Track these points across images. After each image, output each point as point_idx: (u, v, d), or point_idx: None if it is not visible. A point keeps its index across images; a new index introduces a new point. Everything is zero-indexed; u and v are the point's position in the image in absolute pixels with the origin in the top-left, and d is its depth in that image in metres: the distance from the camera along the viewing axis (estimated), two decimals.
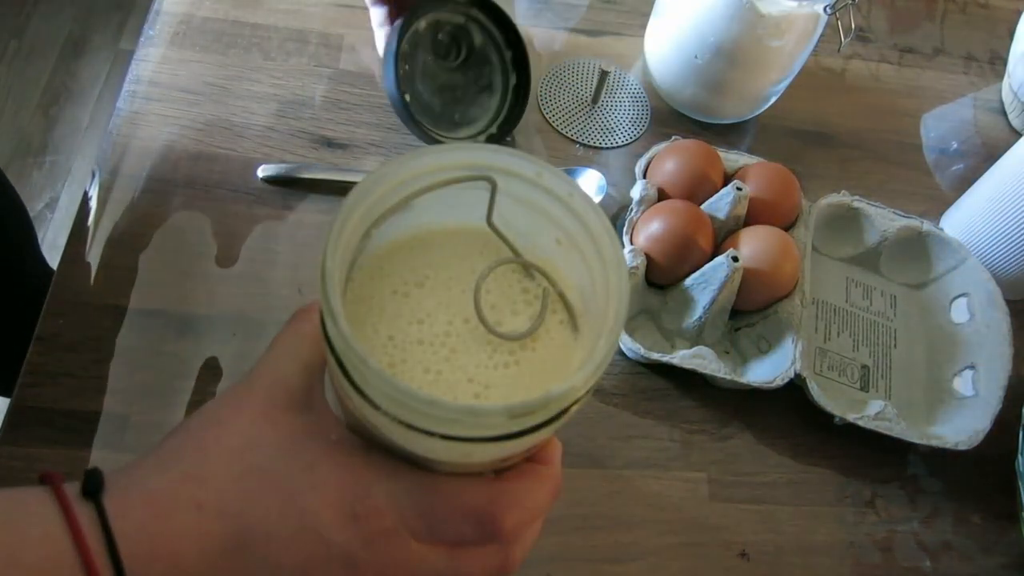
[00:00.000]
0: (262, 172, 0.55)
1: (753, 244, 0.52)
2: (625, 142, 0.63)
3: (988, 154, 0.69)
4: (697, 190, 0.55)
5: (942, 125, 0.71)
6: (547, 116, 0.62)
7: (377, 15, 0.56)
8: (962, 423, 0.52)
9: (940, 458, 0.54)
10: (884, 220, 0.58)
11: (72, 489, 0.25)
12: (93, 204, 0.52)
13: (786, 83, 0.62)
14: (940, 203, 0.65)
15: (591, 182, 0.59)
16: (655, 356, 0.50)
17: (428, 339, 0.27)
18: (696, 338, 0.54)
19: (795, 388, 0.52)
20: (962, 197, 0.62)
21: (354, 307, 0.27)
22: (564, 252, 0.29)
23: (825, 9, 0.54)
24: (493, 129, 0.60)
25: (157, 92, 0.57)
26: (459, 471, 0.27)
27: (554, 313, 0.29)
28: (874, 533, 0.51)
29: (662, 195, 0.56)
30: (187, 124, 0.56)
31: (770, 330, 0.53)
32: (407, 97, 0.54)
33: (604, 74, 0.61)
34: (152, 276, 0.50)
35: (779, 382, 0.50)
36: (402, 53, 0.54)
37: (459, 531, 0.27)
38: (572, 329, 0.29)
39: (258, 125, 0.57)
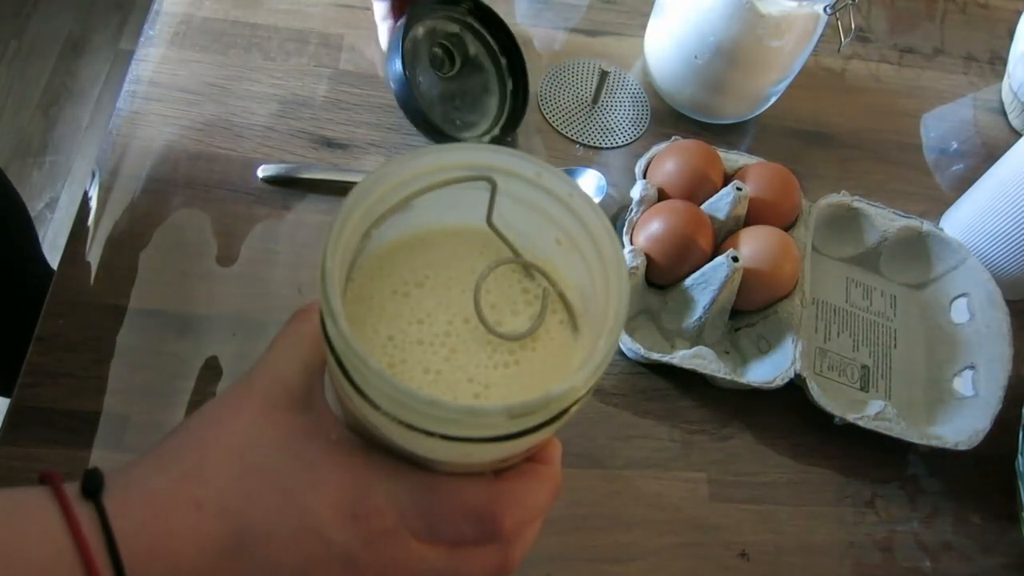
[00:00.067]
0: (262, 172, 0.55)
1: (753, 244, 0.52)
2: (625, 142, 0.63)
3: (988, 154, 0.69)
4: (697, 190, 0.55)
5: (942, 125, 0.71)
6: (547, 116, 0.62)
7: (380, 9, 0.56)
8: (962, 423, 0.52)
9: (940, 458, 0.54)
10: (884, 220, 0.58)
11: (72, 489, 0.25)
12: (93, 204, 0.52)
13: (786, 83, 0.62)
14: (940, 203, 0.65)
15: (591, 182, 0.59)
16: (655, 356, 0.50)
17: (428, 339, 0.27)
18: (696, 338, 0.54)
19: (795, 388, 0.52)
20: (962, 197, 0.62)
21: (354, 307, 0.27)
22: (564, 252, 0.29)
23: (825, 9, 0.54)
24: (496, 131, 0.60)
25: (157, 92, 0.57)
26: (459, 471, 0.27)
27: (554, 313, 0.29)
28: (874, 533, 0.51)
29: (662, 195, 0.56)
30: (187, 124, 0.56)
31: (770, 330, 0.53)
32: (414, 89, 0.54)
33: (604, 74, 0.61)
34: (152, 276, 0.50)
35: (779, 382, 0.50)
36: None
37: (459, 531, 0.27)
38: (572, 329, 0.29)
39: (258, 125, 0.57)
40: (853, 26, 0.55)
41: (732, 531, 0.49)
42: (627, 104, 0.65)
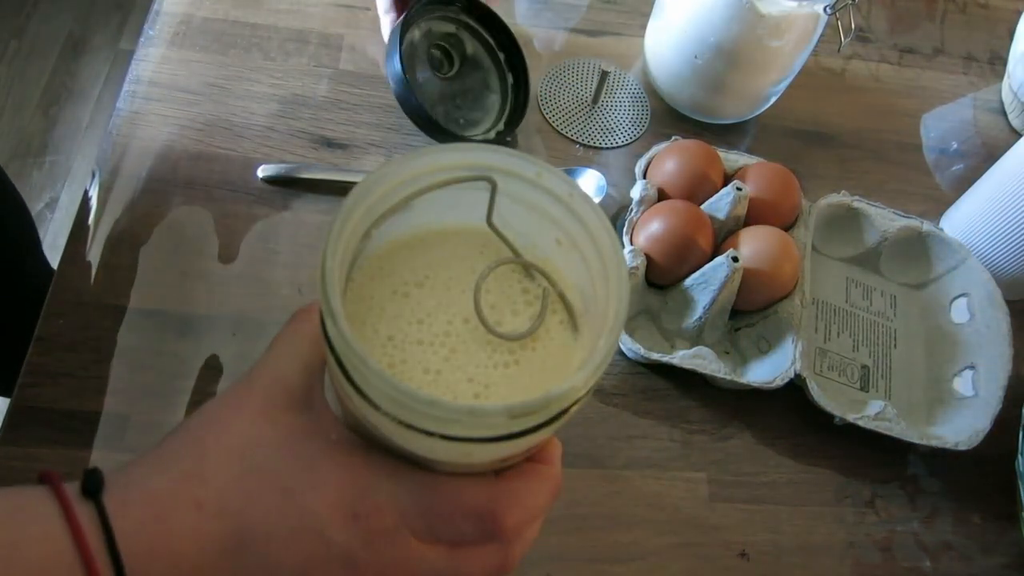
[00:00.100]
0: (262, 172, 0.55)
1: (753, 244, 0.52)
2: (625, 142, 0.63)
3: (988, 154, 0.69)
4: (697, 190, 0.55)
5: (942, 125, 0.71)
6: (547, 116, 0.62)
7: (383, 2, 0.56)
8: (962, 423, 0.52)
9: (940, 458, 0.54)
10: (884, 220, 0.58)
11: (72, 488, 0.25)
12: (93, 204, 0.52)
13: (786, 83, 0.62)
14: (940, 203, 0.65)
15: (591, 182, 0.59)
16: (655, 356, 0.50)
17: (428, 339, 0.27)
18: (696, 338, 0.54)
19: (795, 388, 0.52)
20: (962, 197, 0.62)
21: (354, 307, 0.27)
22: (564, 252, 0.29)
23: (825, 9, 0.54)
24: (500, 126, 0.60)
25: (157, 92, 0.57)
26: (459, 471, 0.27)
27: (554, 313, 0.29)
28: (874, 533, 0.51)
29: (662, 195, 0.56)
30: (187, 124, 0.56)
31: (770, 330, 0.53)
32: (415, 89, 0.54)
33: (604, 74, 0.61)
34: (152, 276, 0.50)
35: (779, 382, 0.50)
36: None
37: (459, 530, 0.27)
38: (572, 329, 0.29)
39: (258, 125, 0.57)
40: (853, 26, 0.55)
41: (732, 531, 0.49)
42: (627, 104, 0.65)
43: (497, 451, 0.26)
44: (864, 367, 0.56)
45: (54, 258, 0.59)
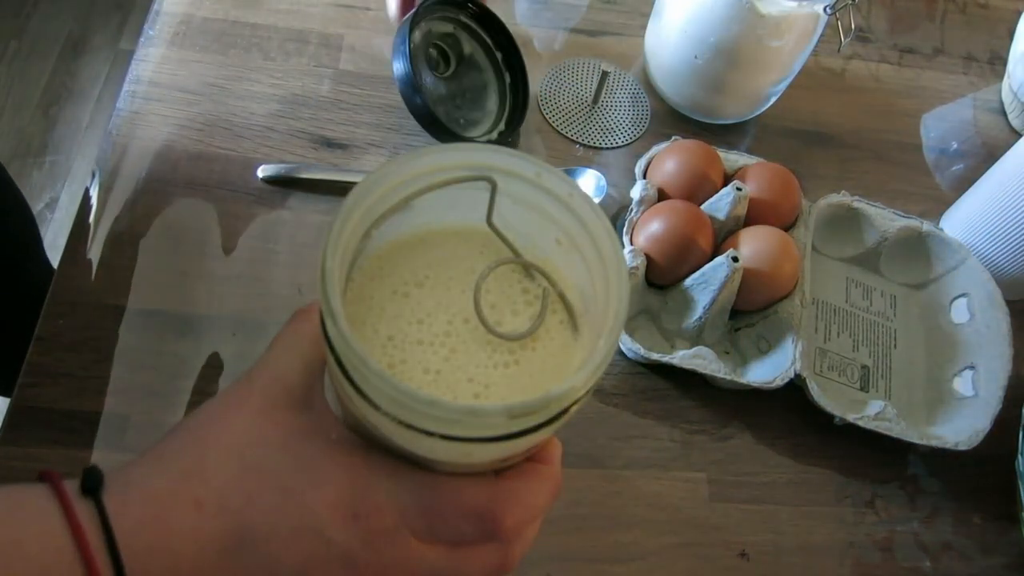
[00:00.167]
0: (262, 172, 0.55)
1: (753, 244, 0.52)
2: (625, 142, 0.63)
3: (988, 154, 0.69)
4: (697, 190, 0.55)
5: (942, 125, 0.71)
6: (547, 116, 0.62)
7: None
8: (962, 423, 0.52)
9: (940, 458, 0.54)
10: (884, 220, 0.58)
11: (72, 486, 0.25)
12: (93, 204, 0.52)
13: (786, 83, 0.62)
14: (940, 203, 0.65)
15: (591, 182, 0.59)
16: (655, 356, 0.50)
17: (428, 339, 0.27)
18: (696, 338, 0.54)
19: (795, 388, 0.52)
20: (962, 197, 0.62)
21: (354, 307, 0.27)
22: (564, 252, 0.29)
23: (825, 9, 0.54)
24: (502, 126, 0.60)
25: (157, 92, 0.57)
26: (459, 471, 0.27)
27: (554, 313, 0.29)
28: (874, 533, 0.51)
29: (662, 195, 0.56)
30: (187, 124, 0.56)
31: (770, 330, 0.53)
32: (421, 89, 0.54)
33: (604, 74, 0.61)
34: (152, 276, 0.50)
35: (779, 382, 0.50)
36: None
37: (459, 530, 0.27)
38: (572, 329, 0.29)
39: (258, 125, 0.57)
40: (853, 26, 0.55)
41: (732, 531, 0.49)
42: (627, 104, 0.65)
43: (497, 451, 0.26)
44: (864, 367, 0.56)
45: (54, 258, 0.59)
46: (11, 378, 0.47)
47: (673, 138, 0.58)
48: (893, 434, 0.50)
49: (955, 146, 0.70)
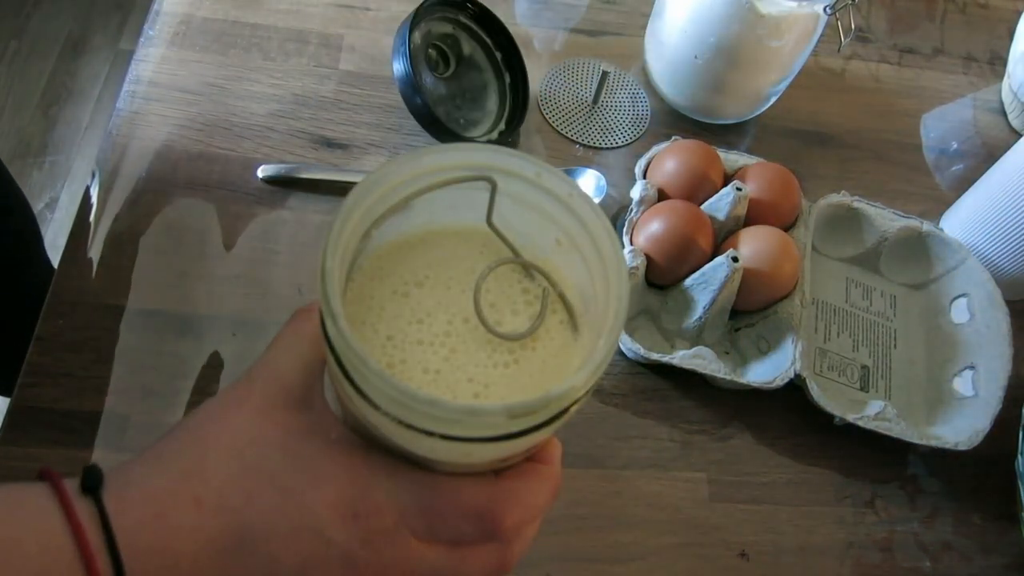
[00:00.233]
0: (262, 172, 0.55)
1: (753, 244, 0.52)
2: (625, 142, 0.63)
3: (988, 154, 0.69)
4: (697, 190, 0.55)
5: (942, 125, 0.71)
6: (547, 116, 0.62)
7: None
8: (962, 423, 0.52)
9: (940, 458, 0.54)
10: (884, 220, 0.58)
11: (71, 485, 0.25)
12: (93, 204, 0.52)
13: (786, 83, 0.62)
14: (940, 203, 0.65)
15: (591, 182, 0.59)
16: (655, 356, 0.50)
17: (428, 339, 0.27)
18: (696, 338, 0.54)
19: (795, 388, 0.52)
20: (962, 197, 0.62)
21: (354, 307, 0.27)
22: (564, 252, 0.29)
23: (825, 9, 0.54)
24: (502, 126, 0.60)
25: (157, 92, 0.57)
26: (459, 471, 0.27)
27: (554, 313, 0.29)
28: (874, 533, 0.51)
29: (662, 195, 0.56)
30: (187, 124, 0.56)
31: (770, 330, 0.53)
32: (422, 90, 0.54)
33: (604, 74, 0.61)
34: (152, 276, 0.50)
35: (779, 382, 0.50)
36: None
37: (459, 530, 0.27)
38: (572, 329, 0.29)
39: (258, 125, 0.57)
40: (853, 26, 0.55)
41: (732, 531, 0.49)
42: (627, 104, 0.65)
43: (497, 451, 0.26)
44: (864, 367, 0.56)
45: (54, 258, 0.59)
46: (11, 378, 0.47)
47: (673, 138, 0.58)
48: (893, 434, 0.50)
49: (955, 146, 0.70)
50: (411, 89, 0.54)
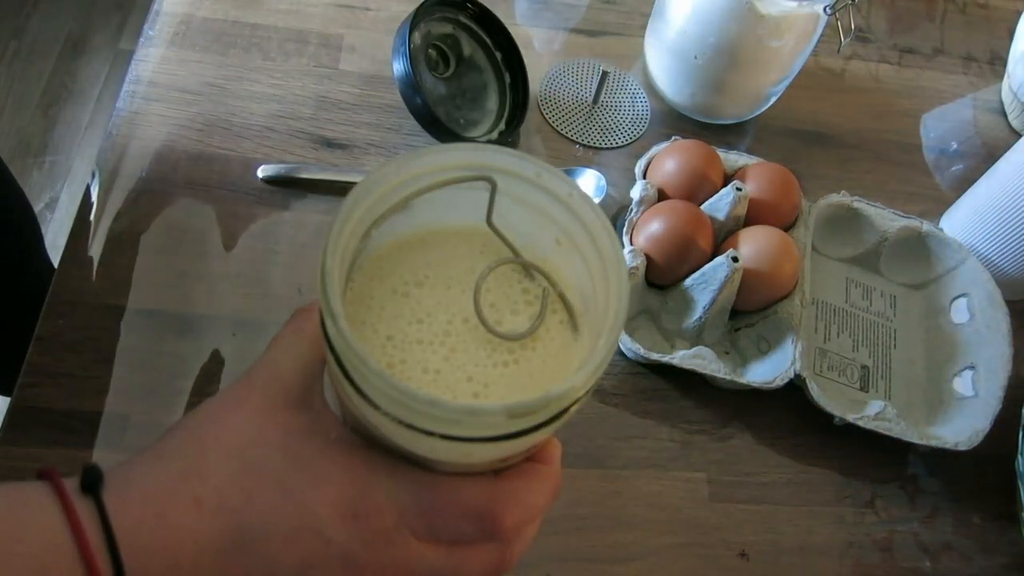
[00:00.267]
0: (262, 172, 0.55)
1: (753, 244, 0.52)
2: (625, 142, 0.63)
3: (988, 154, 0.69)
4: (697, 190, 0.55)
5: (942, 125, 0.71)
6: (547, 116, 0.62)
7: None
8: (962, 423, 0.52)
9: (940, 458, 0.54)
10: (884, 220, 0.58)
11: (71, 484, 0.25)
12: (93, 204, 0.52)
13: (786, 83, 0.62)
14: (940, 203, 0.65)
15: (591, 182, 0.59)
16: (655, 356, 0.50)
17: (428, 339, 0.27)
18: (696, 338, 0.54)
19: (795, 388, 0.52)
20: (962, 197, 0.62)
21: (354, 307, 0.27)
22: (564, 252, 0.29)
23: (825, 9, 0.54)
24: (502, 126, 0.60)
25: (157, 92, 0.57)
26: (459, 470, 0.27)
27: (554, 313, 0.29)
28: (874, 533, 0.51)
29: (662, 195, 0.56)
30: (187, 124, 0.56)
31: (770, 330, 0.53)
32: (422, 90, 0.54)
33: (604, 74, 0.61)
34: (152, 276, 0.50)
35: (779, 382, 0.50)
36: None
37: (459, 529, 0.27)
38: (572, 329, 0.29)
39: (258, 125, 0.57)
40: (853, 26, 0.55)
41: (732, 531, 0.49)
42: (627, 104, 0.65)
43: (497, 451, 0.26)
44: (864, 367, 0.56)
45: (54, 258, 0.59)
46: (11, 378, 0.47)
47: (673, 138, 0.58)
48: (893, 434, 0.50)
49: (955, 146, 0.70)
50: (411, 89, 0.54)
